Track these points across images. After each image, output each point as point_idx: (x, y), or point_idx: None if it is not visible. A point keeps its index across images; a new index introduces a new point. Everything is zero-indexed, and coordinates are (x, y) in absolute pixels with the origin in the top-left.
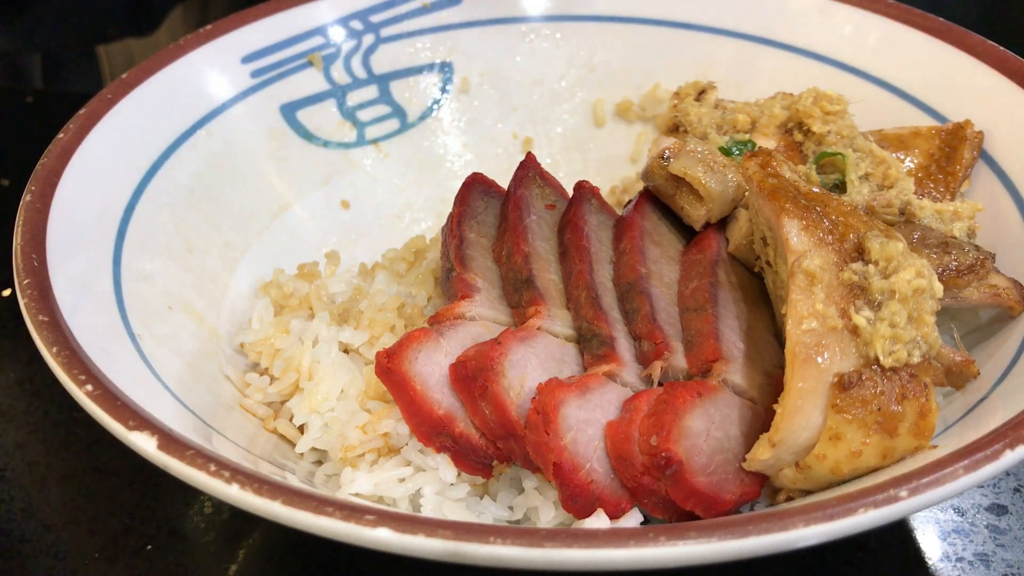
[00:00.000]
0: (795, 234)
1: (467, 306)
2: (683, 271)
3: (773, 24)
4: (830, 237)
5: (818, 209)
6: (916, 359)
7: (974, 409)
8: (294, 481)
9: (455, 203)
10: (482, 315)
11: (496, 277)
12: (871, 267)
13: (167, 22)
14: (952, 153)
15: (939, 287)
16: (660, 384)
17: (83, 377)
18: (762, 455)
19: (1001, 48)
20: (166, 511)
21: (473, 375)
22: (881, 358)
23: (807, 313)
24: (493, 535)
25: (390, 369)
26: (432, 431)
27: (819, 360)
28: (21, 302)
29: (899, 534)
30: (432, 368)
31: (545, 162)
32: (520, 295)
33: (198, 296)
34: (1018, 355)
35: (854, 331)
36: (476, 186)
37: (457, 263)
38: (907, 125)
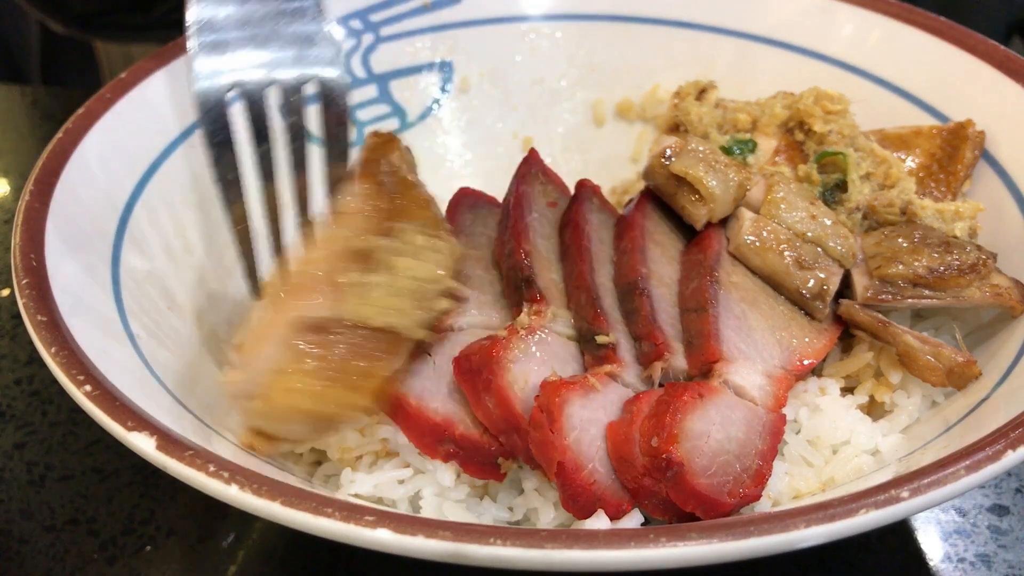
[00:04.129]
0: None
1: (454, 318)
2: (683, 271)
3: (774, 23)
4: None
5: None
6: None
7: (976, 409)
8: (294, 481)
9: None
10: (471, 323)
11: (487, 284)
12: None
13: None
14: (953, 153)
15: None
16: (661, 385)
17: (82, 377)
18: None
19: (1002, 48)
20: (166, 511)
21: (478, 368)
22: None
23: None
24: (493, 536)
25: (383, 391)
26: (434, 440)
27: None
28: (20, 302)
29: (900, 535)
30: (424, 383)
31: (545, 162)
32: (521, 294)
33: (198, 296)
34: (1020, 355)
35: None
36: (463, 201)
37: None
38: (908, 124)
